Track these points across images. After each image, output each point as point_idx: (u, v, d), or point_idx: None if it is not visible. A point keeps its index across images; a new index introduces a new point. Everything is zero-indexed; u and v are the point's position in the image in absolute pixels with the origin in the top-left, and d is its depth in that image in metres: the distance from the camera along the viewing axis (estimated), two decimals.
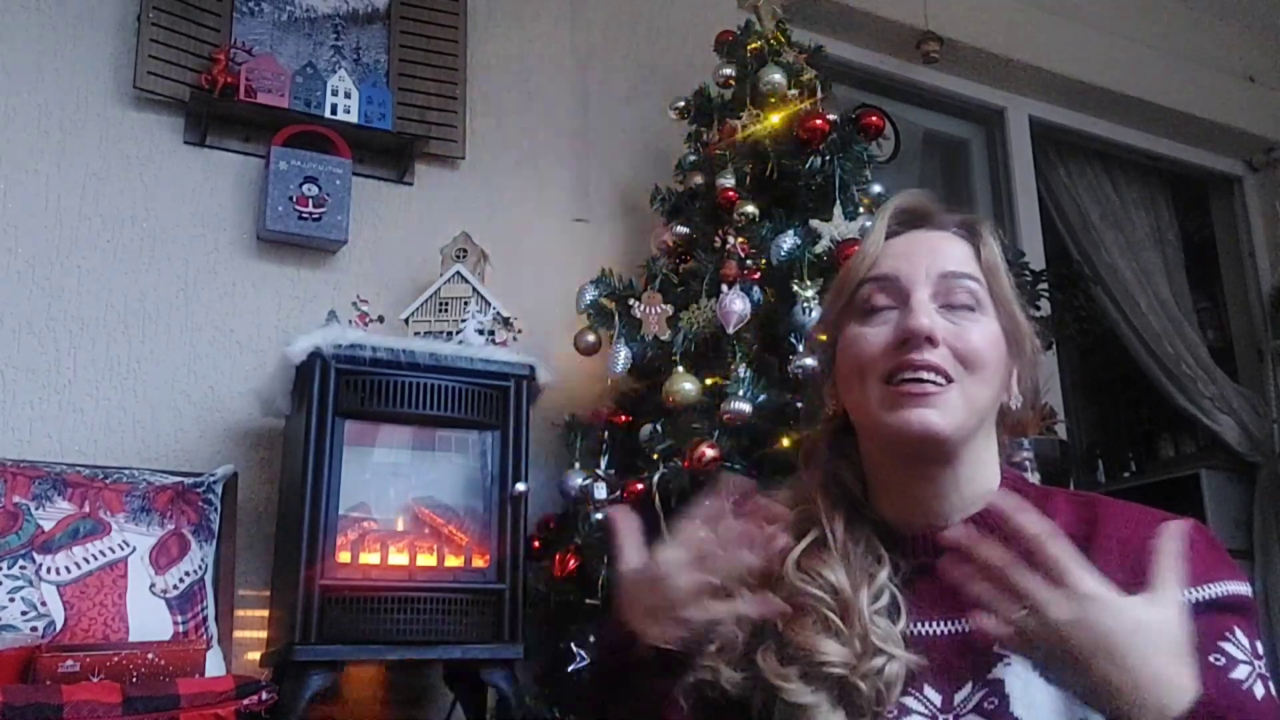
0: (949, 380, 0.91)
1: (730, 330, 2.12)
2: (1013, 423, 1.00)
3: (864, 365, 0.94)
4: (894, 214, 1.01)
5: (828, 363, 1.03)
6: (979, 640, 0.89)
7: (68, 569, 1.90)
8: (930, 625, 0.93)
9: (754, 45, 2.49)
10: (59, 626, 1.84)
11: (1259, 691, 0.82)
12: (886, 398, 0.92)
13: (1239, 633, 0.85)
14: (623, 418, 2.34)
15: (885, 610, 0.93)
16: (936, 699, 0.90)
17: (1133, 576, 0.86)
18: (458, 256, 2.42)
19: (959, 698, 0.89)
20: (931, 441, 0.91)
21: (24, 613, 1.82)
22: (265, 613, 2.18)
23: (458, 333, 2.26)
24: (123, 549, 1.97)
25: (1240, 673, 0.83)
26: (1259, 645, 0.85)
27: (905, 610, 0.93)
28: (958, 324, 0.93)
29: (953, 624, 0.92)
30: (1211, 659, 0.83)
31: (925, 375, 0.91)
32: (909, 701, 0.90)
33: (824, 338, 1.05)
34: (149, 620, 1.92)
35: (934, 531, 0.95)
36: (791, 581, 0.94)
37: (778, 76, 2.39)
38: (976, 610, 0.78)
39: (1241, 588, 0.87)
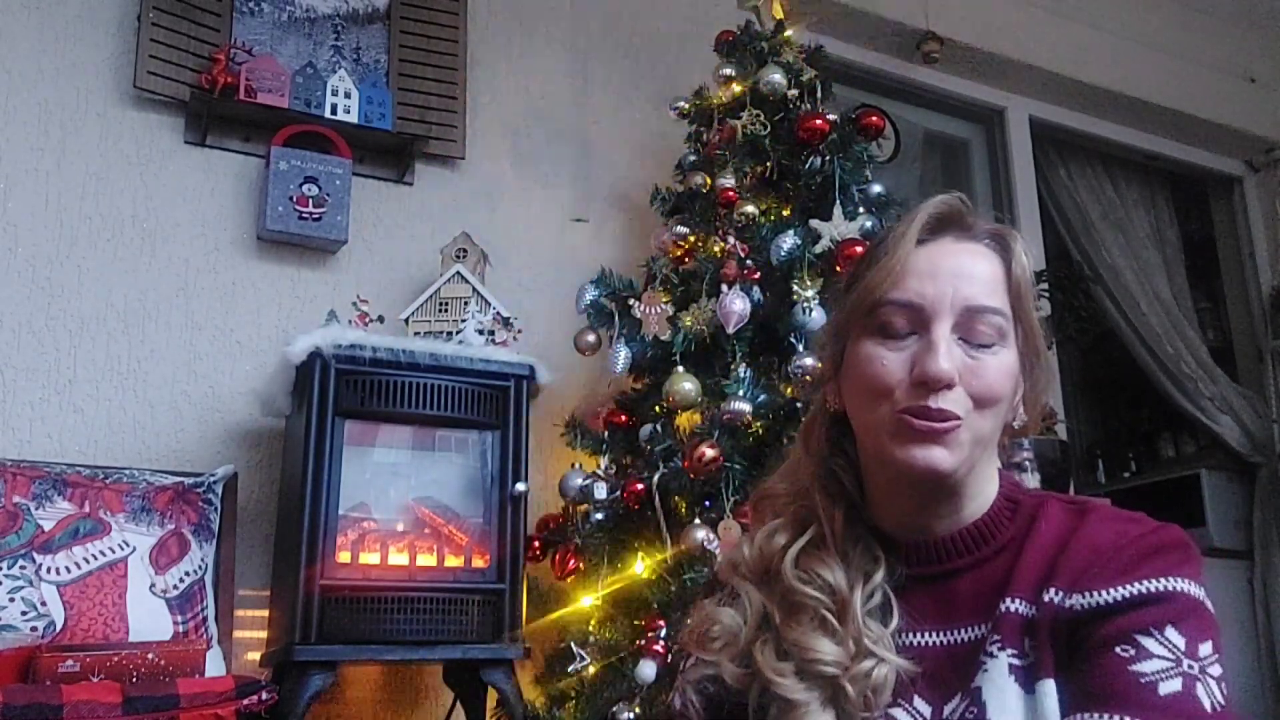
0: (958, 418, 0.90)
1: (730, 330, 2.12)
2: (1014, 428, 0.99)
3: (877, 391, 0.92)
4: (925, 223, 0.96)
5: (834, 362, 1.01)
6: (968, 649, 0.89)
7: (68, 569, 1.90)
8: (922, 635, 0.93)
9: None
10: (59, 626, 1.84)
11: (1166, 688, 0.79)
12: (896, 428, 0.91)
13: (1171, 631, 0.81)
14: (623, 418, 2.34)
15: (877, 612, 0.92)
16: (926, 710, 0.89)
17: (1080, 576, 0.86)
18: (458, 256, 2.42)
19: (948, 710, 0.88)
20: (936, 480, 0.91)
21: (24, 613, 1.82)
22: (265, 613, 2.18)
23: (458, 333, 2.26)
24: (123, 549, 1.97)
25: (1148, 666, 0.80)
26: (1202, 648, 0.81)
27: (897, 615, 0.93)
28: (976, 359, 0.91)
29: (945, 634, 0.92)
30: (1118, 650, 0.81)
31: (936, 416, 0.90)
32: (897, 713, 0.90)
33: (831, 332, 1.03)
34: (149, 620, 1.92)
35: (926, 539, 0.95)
36: (789, 580, 0.94)
37: (778, 76, 2.40)
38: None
39: (1192, 589, 0.84)
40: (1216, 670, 0.81)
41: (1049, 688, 0.83)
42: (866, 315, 0.95)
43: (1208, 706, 0.79)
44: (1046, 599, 0.87)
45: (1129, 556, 0.86)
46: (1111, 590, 0.84)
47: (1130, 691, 0.79)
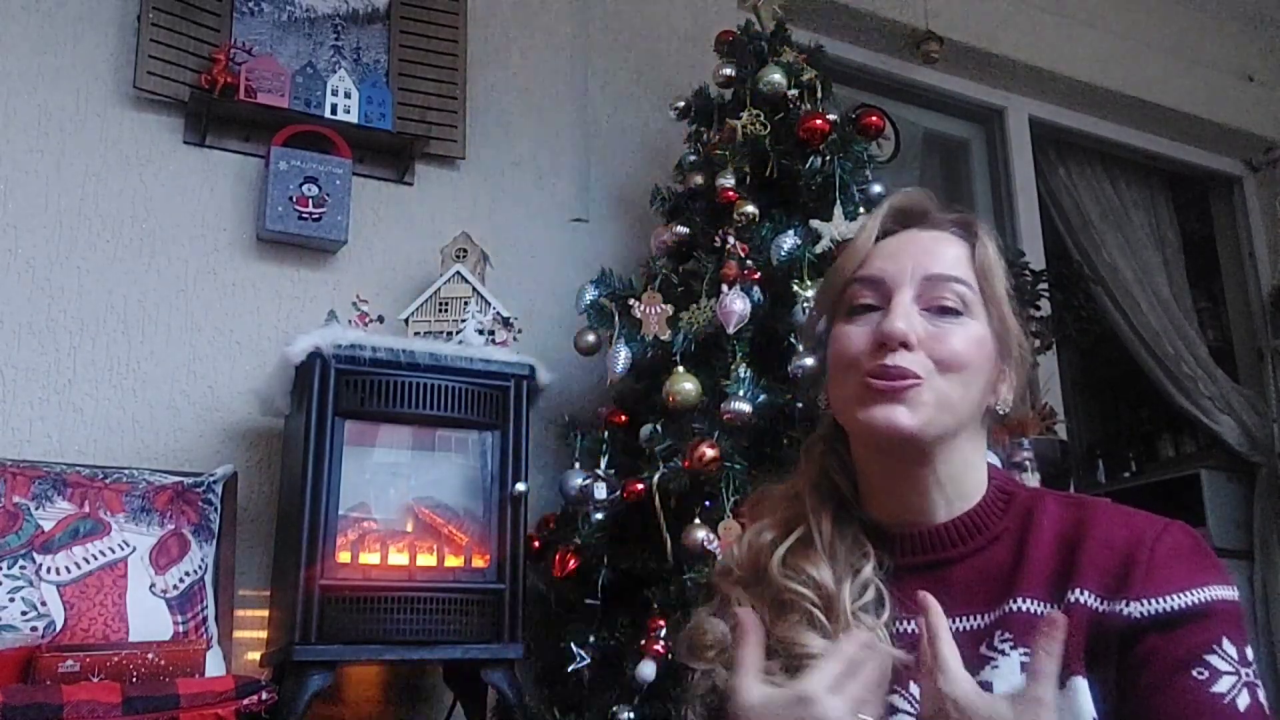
0: (918, 376, 0.91)
1: (730, 330, 2.12)
2: (1012, 423, 1.00)
3: (846, 363, 0.95)
4: (889, 213, 1.01)
5: (822, 359, 1.03)
6: (966, 640, 0.90)
7: (68, 569, 1.90)
8: (917, 623, 0.92)
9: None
10: (59, 626, 1.84)
11: (1242, 702, 0.82)
12: (861, 394, 0.93)
13: (1226, 642, 0.84)
14: (623, 418, 2.34)
15: (870, 605, 0.93)
16: None
17: (1114, 579, 0.87)
18: (458, 256, 2.42)
19: None
20: (899, 438, 0.92)
21: (24, 613, 1.82)
22: (265, 613, 2.18)
23: (458, 333, 2.26)
24: (123, 549, 1.97)
25: (1223, 685, 0.82)
26: (1248, 652, 0.85)
27: (890, 605, 0.94)
28: (939, 327, 0.93)
29: None
30: (1195, 673, 0.83)
31: (894, 374, 0.92)
32: (895, 700, 0.90)
33: (816, 334, 1.06)
34: (149, 620, 1.92)
35: (919, 530, 0.96)
36: (775, 578, 0.95)
37: (778, 76, 2.39)
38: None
39: (1229, 592, 0.87)
40: (1256, 668, 0.85)
41: (1080, 684, 0.84)
42: (836, 299, 0.99)
43: (1267, 710, 0.83)
44: (1073, 599, 0.87)
45: (1163, 559, 0.87)
46: (1164, 599, 0.85)
47: (1217, 714, 0.82)
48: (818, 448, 1.04)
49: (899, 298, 0.94)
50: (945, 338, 0.93)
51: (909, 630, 0.93)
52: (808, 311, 2.08)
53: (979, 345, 0.94)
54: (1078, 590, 0.87)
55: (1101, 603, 0.86)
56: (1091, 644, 0.86)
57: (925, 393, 0.91)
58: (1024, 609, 0.89)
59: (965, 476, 0.96)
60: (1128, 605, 0.85)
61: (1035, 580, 0.90)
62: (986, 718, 0.80)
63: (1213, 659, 0.83)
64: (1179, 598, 0.85)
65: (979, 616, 0.91)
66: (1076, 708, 0.84)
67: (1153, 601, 0.85)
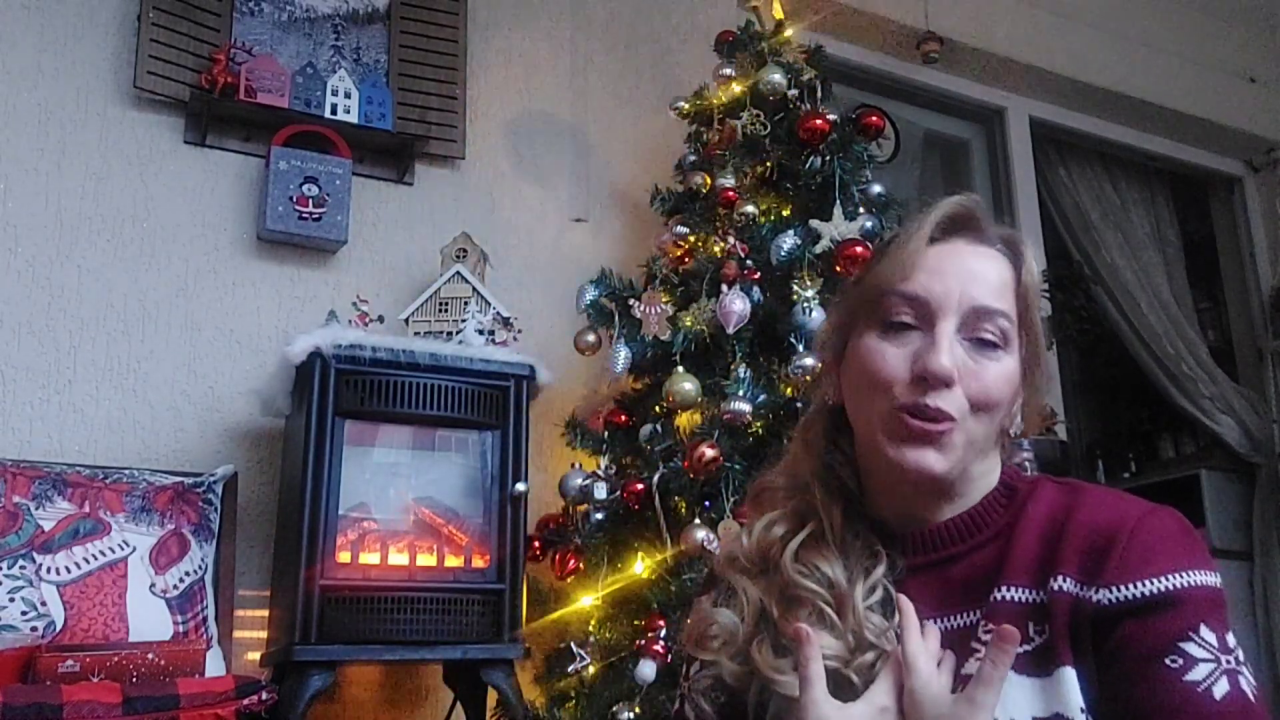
0: (953, 419, 0.90)
1: (730, 330, 2.12)
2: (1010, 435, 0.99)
3: (877, 384, 0.93)
4: (939, 222, 0.96)
5: (835, 353, 1.01)
6: (960, 636, 0.90)
7: (68, 569, 1.90)
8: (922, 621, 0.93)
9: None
10: (59, 626, 1.84)
11: (1219, 690, 0.80)
12: (892, 426, 0.91)
13: (1204, 629, 0.82)
14: (623, 418, 2.34)
15: (879, 606, 0.93)
16: None
17: (1093, 564, 0.86)
18: (458, 256, 2.42)
19: None
20: (927, 481, 0.92)
21: (24, 613, 1.82)
22: (265, 613, 2.18)
23: (458, 333, 2.26)
24: (123, 549, 1.97)
25: (1199, 673, 0.81)
26: (1229, 639, 0.83)
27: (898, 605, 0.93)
28: (978, 362, 0.92)
29: (940, 621, 0.92)
30: (1169, 661, 0.81)
31: (932, 415, 0.90)
32: None
33: (834, 326, 1.03)
34: (149, 620, 1.92)
35: (924, 530, 0.96)
36: (789, 574, 0.94)
37: (778, 76, 2.40)
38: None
39: (1208, 578, 0.85)
40: (1241, 654, 0.83)
41: (1068, 675, 0.84)
42: (871, 307, 0.96)
43: (1251, 696, 0.81)
44: (1055, 586, 0.86)
45: (1141, 544, 0.86)
46: (1136, 585, 0.84)
47: (1190, 703, 0.80)
48: (817, 440, 1.02)
49: (943, 326, 0.91)
50: (982, 375, 0.91)
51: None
52: (809, 312, 2.08)
53: (1009, 382, 0.93)
54: (1060, 577, 0.87)
55: (1080, 589, 0.86)
56: (1073, 632, 0.85)
57: (957, 435, 0.90)
58: (1007, 598, 0.89)
59: (973, 488, 0.96)
60: (1097, 592, 0.84)
61: (1020, 568, 0.90)
62: (929, 711, 0.84)
63: (1188, 646, 0.82)
64: (1151, 584, 0.84)
65: (972, 611, 0.91)
66: (1065, 698, 0.83)
67: (1123, 588, 0.84)
